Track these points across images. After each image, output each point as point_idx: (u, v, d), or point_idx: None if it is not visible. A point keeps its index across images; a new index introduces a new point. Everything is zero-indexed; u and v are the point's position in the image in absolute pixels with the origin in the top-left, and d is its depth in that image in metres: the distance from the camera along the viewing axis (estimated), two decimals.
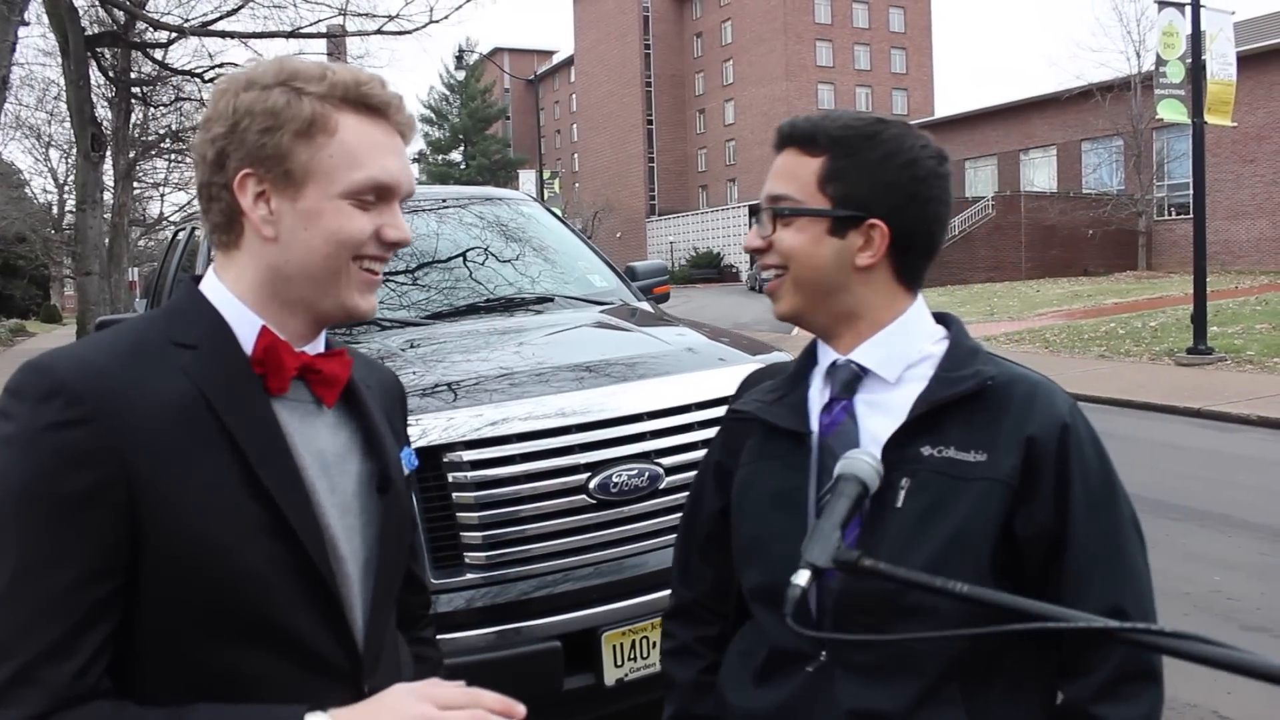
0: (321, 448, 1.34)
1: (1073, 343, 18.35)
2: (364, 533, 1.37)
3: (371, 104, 1.32)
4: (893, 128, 1.50)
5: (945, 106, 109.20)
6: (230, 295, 1.32)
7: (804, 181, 1.49)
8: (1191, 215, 15.69)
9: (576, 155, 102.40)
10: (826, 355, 1.55)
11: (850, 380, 1.51)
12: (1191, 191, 16.66)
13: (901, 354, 1.49)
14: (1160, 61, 15.21)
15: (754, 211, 1.57)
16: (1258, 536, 6.65)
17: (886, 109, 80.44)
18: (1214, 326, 16.49)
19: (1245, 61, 32.65)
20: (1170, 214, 41.65)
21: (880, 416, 1.47)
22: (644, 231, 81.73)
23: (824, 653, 1.44)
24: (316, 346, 1.38)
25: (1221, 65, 14.88)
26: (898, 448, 1.43)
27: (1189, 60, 14.94)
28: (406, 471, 1.49)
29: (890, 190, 1.46)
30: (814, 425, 1.52)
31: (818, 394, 1.55)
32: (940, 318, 1.58)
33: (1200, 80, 14.57)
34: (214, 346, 1.28)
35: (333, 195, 1.29)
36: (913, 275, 1.53)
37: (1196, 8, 14.64)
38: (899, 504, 1.41)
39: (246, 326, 1.30)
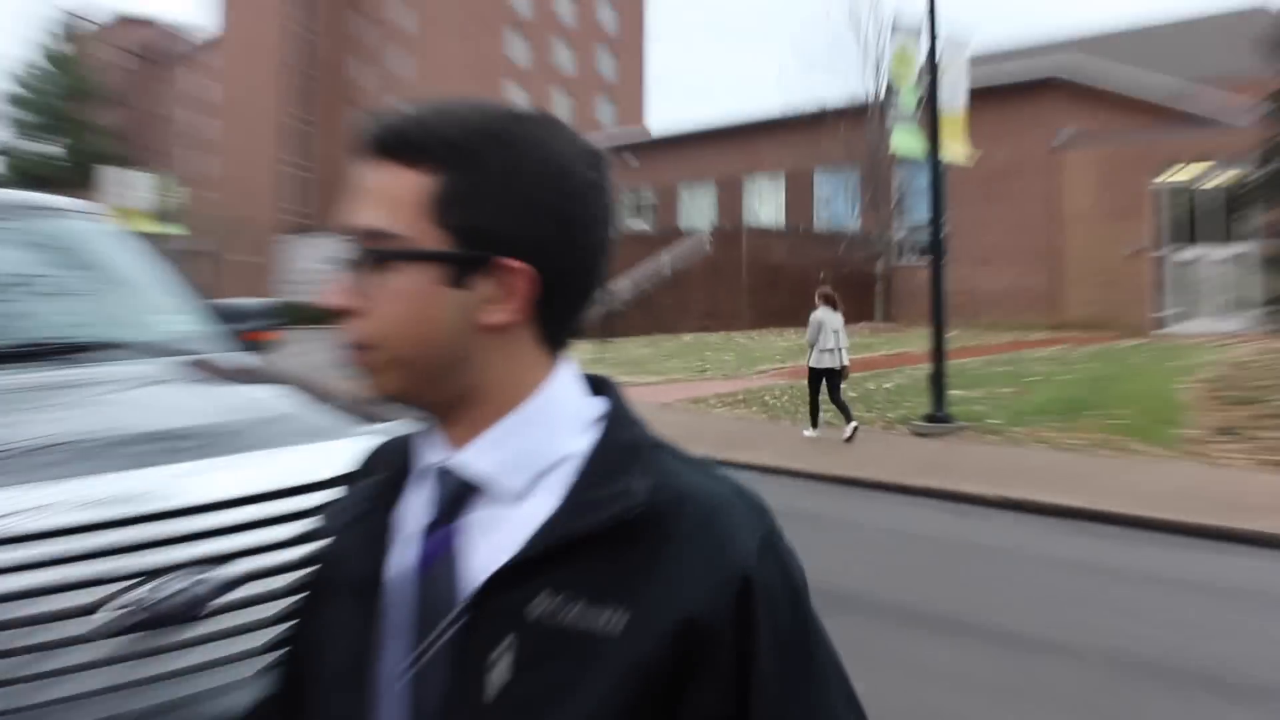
0: None
1: (797, 407, 18.99)
2: None
3: None
4: (532, 123, 1.28)
5: (659, 122, 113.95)
6: None
7: (408, 208, 1.24)
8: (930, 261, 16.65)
9: (212, 159, 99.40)
10: (429, 450, 1.32)
11: (458, 495, 1.27)
12: (930, 233, 17.69)
13: (531, 454, 1.27)
14: (893, 89, 16.18)
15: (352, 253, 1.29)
16: (992, 642, 6.94)
17: (591, 120, 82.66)
18: (956, 389, 17.63)
19: (989, 94, 35.57)
20: (912, 258, 44.34)
21: (498, 547, 1.22)
22: (290, 254, 79.98)
23: None
24: None
25: (950, 96, 15.97)
26: (503, 592, 1.20)
27: (923, 91, 15.95)
28: None
29: (534, 215, 1.24)
30: (407, 557, 1.28)
31: (422, 503, 1.31)
32: (596, 384, 1.36)
33: (936, 110, 15.55)
34: None
35: None
36: (561, 333, 1.31)
37: (934, 34, 15.64)
38: (503, 678, 1.18)
39: None
